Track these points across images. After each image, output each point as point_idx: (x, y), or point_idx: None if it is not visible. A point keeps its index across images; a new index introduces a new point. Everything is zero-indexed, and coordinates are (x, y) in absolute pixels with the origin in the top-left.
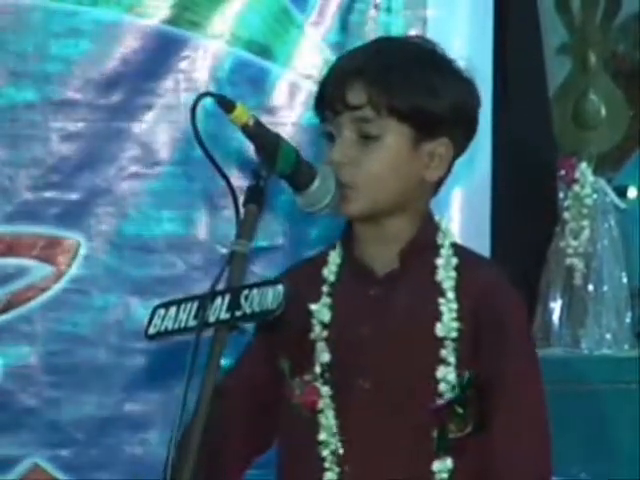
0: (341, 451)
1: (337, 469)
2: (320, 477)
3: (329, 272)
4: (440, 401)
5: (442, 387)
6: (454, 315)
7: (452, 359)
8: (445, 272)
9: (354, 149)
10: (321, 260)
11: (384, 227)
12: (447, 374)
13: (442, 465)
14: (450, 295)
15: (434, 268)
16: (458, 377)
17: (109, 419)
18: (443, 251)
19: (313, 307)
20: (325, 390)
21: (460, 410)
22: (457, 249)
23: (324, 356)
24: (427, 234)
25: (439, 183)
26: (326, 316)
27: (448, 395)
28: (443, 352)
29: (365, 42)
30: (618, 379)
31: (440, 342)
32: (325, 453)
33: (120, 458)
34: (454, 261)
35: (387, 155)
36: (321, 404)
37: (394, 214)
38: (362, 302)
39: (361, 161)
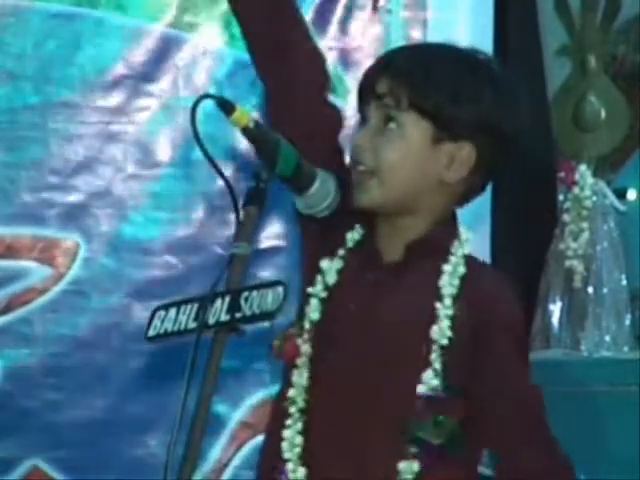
0: (302, 406)
1: (300, 426)
2: (284, 429)
3: (351, 238)
4: (424, 391)
5: (421, 388)
6: (449, 323)
7: (437, 364)
8: (449, 279)
9: (376, 136)
10: (354, 220)
11: (397, 224)
12: (428, 376)
13: (408, 466)
14: (447, 302)
15: (439, 272)
16: (447, 386)
17: (109, 421)
18: (453, 259)
19: (323, 265)
20: (305, 348)
21: (440, 418)
22: (470, 261)
23: (315, 315)
24: (440, 237)
25: (464, 193)
26: (332, 278)
27: (428, 394)
28: (431, 355)
29: (365, 44)
30: (618, 381)
31: (430, 344)
32: (292, 410)
33: (120, 460)
34: (461, 270)
35: (405, 145)
36: (299, 361)
37: (407, 211)
38: (362, 283)
39: (380, 148)
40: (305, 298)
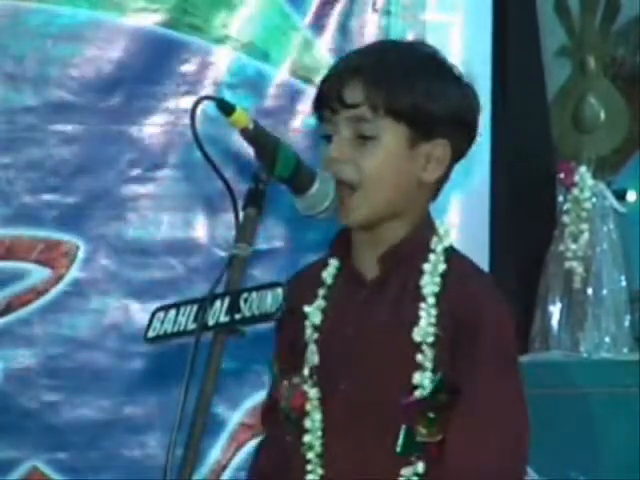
0: (320, 450)
1: (320, 471)
2: (304, 478)
3: (327, 275)
4: (410, 398)
5: (419, 392)
6: (432, 320)
7: (428, 364)
8: (430, 277)
9: (351, 147)
10: (324, 263)
11: (377, 232)
12: (423, 379)
13: (413, 470)
14: (430, 300)
15: (421, 272)
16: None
17: (108, 422)
18: (432, 256)
19: (307, 309)
20: (313, 392)
21: (432, 414)
22: (451, 255)
23: (314, 358)
24: (418, 238)
25: (438, 187)
26: (318, 318)
27: (417, 397)
28: (419, 357)
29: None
30: (617, 383)
31: (417, 347)
32: (310, 455)
33: (119, 461)
34: (442, 267)
35: (384, 154)
36: (308, 406)
37: (390, 218)
38: (350, 307)
39: (359, 160)
40: (301, 349)
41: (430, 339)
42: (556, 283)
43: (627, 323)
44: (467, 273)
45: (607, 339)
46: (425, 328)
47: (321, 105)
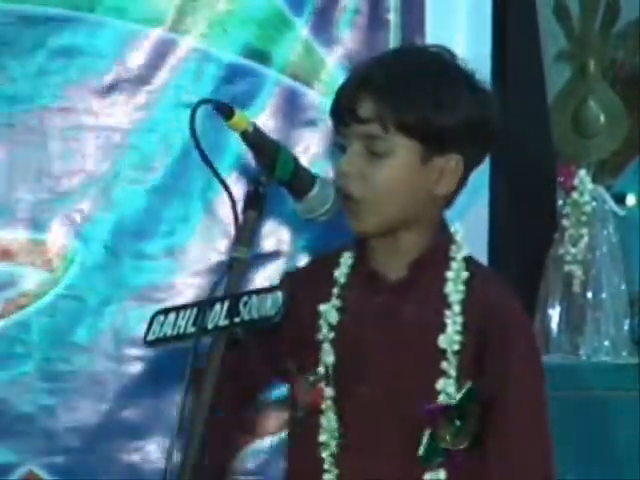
0: (336, 452)
1: (335, 471)
2: (319, 478)
3: (340, 274)
4: (436, 404)
5: (442, 398)
6: (458, 328)
7: (453, 372)
8: (454, 285)
9: (362, 162)
10: (334, 260)
11: (396, 240)
12: (447, 386)
13: (434, 476)
14: (456, 308)
15: (444, 280)
16: (459, 389)
17: (105, 426)
18: (454, 264)
19: (322, 308)
20: (328, 391)
21: (458, 422)
22: (470, 263)
23: (329, 358)
24: (439, 246)
25: (453, 195)
26: (334, 318)
27: (443, 403)
28: (444, 364)
29: (365, 48)
30: (617, 386)
31: (442, 354)
32: (325, 454)
33: (116, 465)
34: (464, 275)
35: (396, 172)
36: (324, 405)
37: (405, 228)
38: (370, 308)
39: (370, 176)
40: (315, 346)
41: (456, 347)
42: (556, 286)
43: (626, 327)
44: (490, 281)
45: (606, 342)
46: (451, 335)
47: (335, 116)
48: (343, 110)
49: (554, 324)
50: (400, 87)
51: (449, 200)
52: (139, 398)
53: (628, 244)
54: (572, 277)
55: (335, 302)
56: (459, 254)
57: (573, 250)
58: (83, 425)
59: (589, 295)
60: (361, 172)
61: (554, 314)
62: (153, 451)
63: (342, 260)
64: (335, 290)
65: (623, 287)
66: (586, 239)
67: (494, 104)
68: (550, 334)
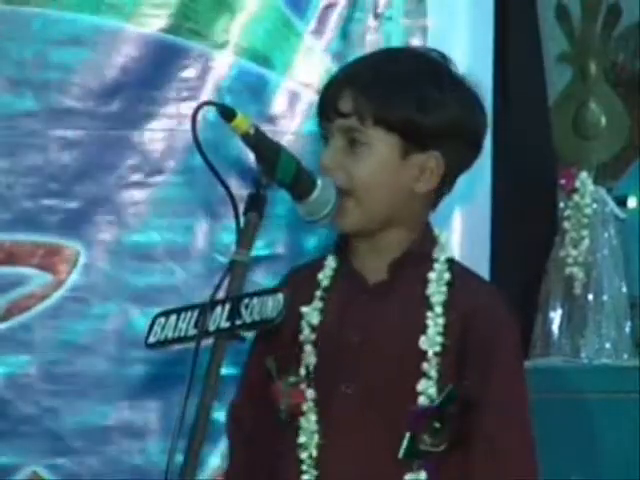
0: (316, 453)
1: (315, 472)
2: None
3: (324, 276)
4: (417, 406)
5: (422, 400)
6: (439, 329)
7: (434, 373)
8: (436, 286)
9: (343, 155)
10: (319, 264)
11: (377, 240)
12: (428, 388)
13: (415, 477)
14: (438, 309)
15: (426, 281)
16: (439, 390)
17: (108, 428)
18: (437, 265)
19: (304, 309)
20: (309, 393)
21: (437, 424)
22: (453, 265)
23: (310, 359)
24: (422, 247)
25: (437, 197)
26: (315, 319)
27: (422, 406)
28: (425, 365)
29: (366, 51)
30: (618, 389)
31: (423, 355)
32: (304, 456)
33: (119, 467)
34: (447, 276)
35: (375, 162)
36: (304, 407)
37: (388, 227)
38: (351, 309)
39: (350, 169)
40: (297, 348)
41: (437, 348)
42: (557, 289)
43: (627, 329)
44: (474, 283)
45: (608, 345)
46: (432, 337)
47: (319, 112)
48: (326, 105)
49: (555, 327)
50: (381, 82)
51: (432, 201)
52: (142, 400)
53: (629, 246)
54: (573, 279)
55: (317, 304)
56: (442, 256)
57: (574, 252)
58: (86, 426)
59: (590, 297)
60: (342, 165)
61: (555, 316)
62: (155, 453)
63: (326, 263)
64: (318, 292)
65: (624, 289)
66: (587, 241)
67: (481, 107)
68: (551, 337)
